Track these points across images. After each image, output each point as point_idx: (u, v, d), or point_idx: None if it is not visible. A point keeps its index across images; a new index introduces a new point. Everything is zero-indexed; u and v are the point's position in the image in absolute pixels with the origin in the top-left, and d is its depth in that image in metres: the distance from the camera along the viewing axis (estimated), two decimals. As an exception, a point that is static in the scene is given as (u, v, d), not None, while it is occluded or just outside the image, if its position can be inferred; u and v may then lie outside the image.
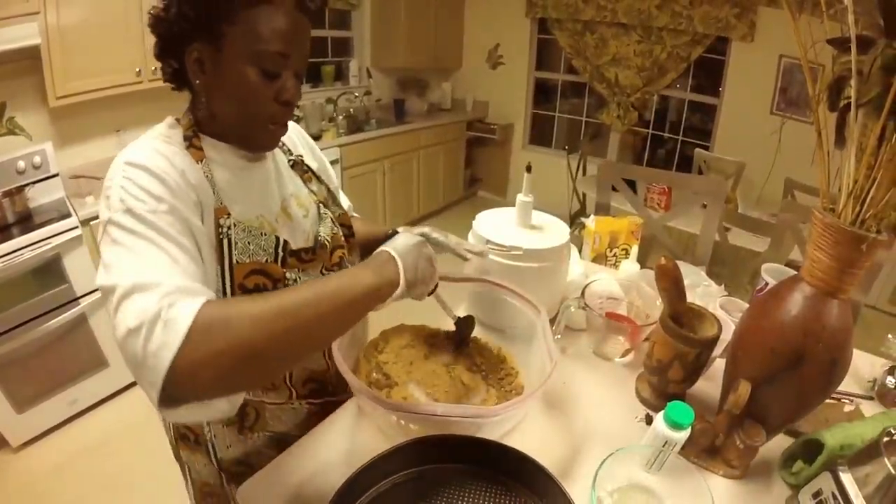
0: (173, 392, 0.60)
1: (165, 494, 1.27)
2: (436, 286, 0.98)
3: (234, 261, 0.86)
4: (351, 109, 4.89)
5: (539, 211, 1.37)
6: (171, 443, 1.14)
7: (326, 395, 1.14)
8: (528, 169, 1.27)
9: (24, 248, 2.40)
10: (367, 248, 1.16)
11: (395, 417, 0.88)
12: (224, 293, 0.86)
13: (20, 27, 2.44)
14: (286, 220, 1.01)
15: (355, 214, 1.36)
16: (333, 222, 1.11)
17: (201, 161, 0.86)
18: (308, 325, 0.69)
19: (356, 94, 5.05)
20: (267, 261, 0.90)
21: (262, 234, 0.90)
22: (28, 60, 2.62)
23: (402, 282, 0.78)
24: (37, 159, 2.78)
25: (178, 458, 1.16)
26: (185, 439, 1.09)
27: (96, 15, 2.74)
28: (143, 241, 0.71)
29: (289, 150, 1.13)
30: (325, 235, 1.06)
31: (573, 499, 0.71)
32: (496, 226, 1.31)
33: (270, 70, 0.84)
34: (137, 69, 2.95)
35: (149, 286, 0.65)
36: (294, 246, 0.95)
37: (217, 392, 0.66)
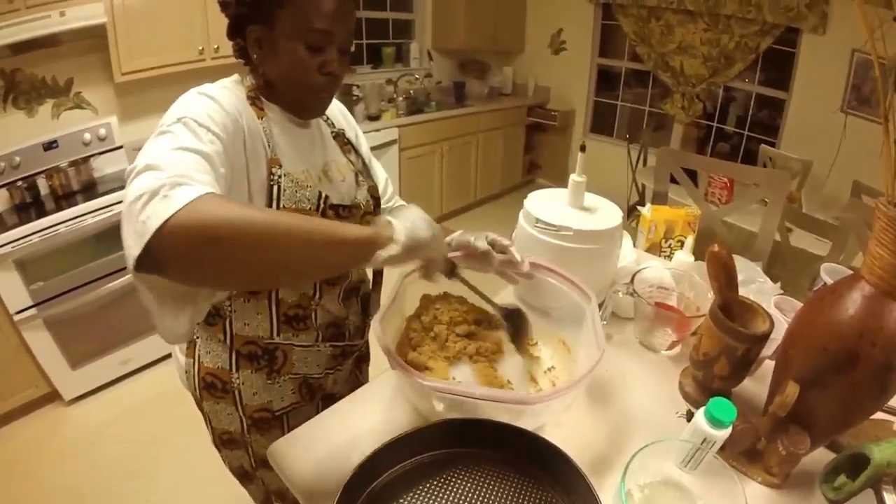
0: (152, 251, 0.63)
1: (209, 452, 1.31)
2: (454, 267, 1.00)
3: (282, 206, 0.98)
4: (411, 91, 4.92)
5: (592, 193, 1.34)
6: (195, 395, 1.21)
7: (345, 339, 1.26)
8: (583, 148, 1.25)
9: (87, 215, 2.54)
10: None
11: (433, 398, 0.88)
12: None
13: (87, 7, 2.58)
14: (326, 181, 1.13)
15: (403, 202, 1.44)
16: (368, 191, 1.23)
17: (262, 118, 0.99)
18: (292, 243, 0.71)
19: (416, 76, 5.08)
20: (309, 209, 1.01)
21: (307, 186, 1.02)
22: (95, 38, 2.74)
23: (397, 237, 0.80)
24: (102, 132, 2.95)
25: (201, 409, 1.25)
26: (212, 388, 1.16)
27: (159, -5, 2.84)
28: (179, 139, 0.79)
29: (332, 123, 1.25)
30: (361, 199, 1.18)
31: (602, 498, 0.70)
32: (547, 205, 1.29)
33: (315, 45, 0.96)
34: (200, 47, 3.04)
35: (161, 167, 0.70)
36: (333, 201, 1.06)
37: (185, 263, 0.66)
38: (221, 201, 0.68)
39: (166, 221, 0.61)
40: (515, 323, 1.10)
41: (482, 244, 1.08)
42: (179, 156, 0.75)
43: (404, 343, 1.07)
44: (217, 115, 0.87)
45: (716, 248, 0.96)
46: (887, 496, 0.76)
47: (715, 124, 5.15)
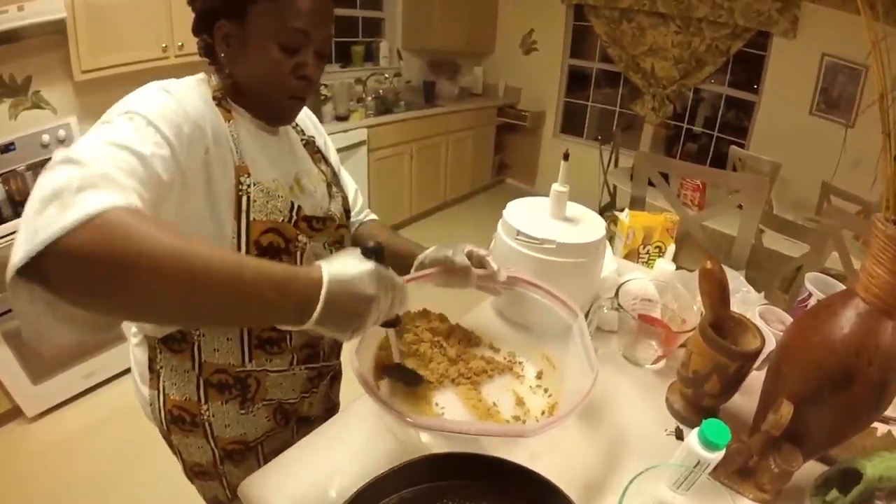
0: (37, 265, 0.55)
1: (177, 469, 1.25)
2: (398, 322, 0.86)
3: (252, 218, 0.90)
4: (380, 91, 4.86)
5: (572, 202, 1.30)
6: (162, 429, 1.13)
7: (320, 360, 1.19)
8: (566, 156, 1.21)
9: None
10: (392, 260, 1.15)
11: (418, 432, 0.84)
12: (239, 248, 0.91)
13: (45, 1, 2.44)
14: (299, 191, 1.05)
15: (374, 216, 1.39)
16: (342, 203, 1.16)
17: (229, 122, 0.91)
18: (194, 293, 0.61)
19: (386, 76, 5.01)
20: (282, 221, 0.94)
21: (278, 196, 0.94)
22: (54, 34, 2.61)
23: (310, 322, 0.66)
24: (61, 133, 2.82)
25: (168, 442, 1.16)
26: (180, 422, 1.08)
27: (122, -11, 2.74)
28: (117, 133, 0.69)
29: (301, 130, 1.17)
30: (335, 211, 1.11)
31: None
32: (528, 216, 1.24)
33: (290, 46, 0.88)
34: (164, 45, 2.94)
35: (82, 162, 0.62)
36: (307, 212, 0.99)
37: (71, 291, 0.58)
38: (129, 219, 0.58)
39: (59, 238, 0.54)
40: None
41: (461, 259, 1.03)
42: (109, 151, 0.66)
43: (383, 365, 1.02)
44: (173, 116, 0.78)
45: (709, 264, 0.93)
46: (881, 510, 0.75)
47: (685, 125, 5.21)
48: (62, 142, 2.81)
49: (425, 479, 0.73)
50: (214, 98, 0.91)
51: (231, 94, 0.95)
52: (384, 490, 0.70)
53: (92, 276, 0.56)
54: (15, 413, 2.62)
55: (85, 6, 2.57)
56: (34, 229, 0.55)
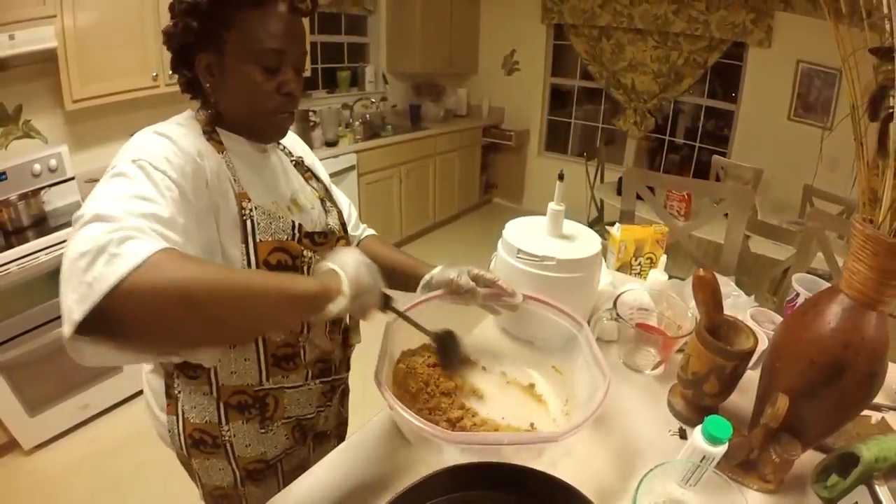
0: (104, 315, 0.59)
1: (175, 499, 1.25)
2: (388, 300, 0.96)
3: (258, 239, 0.95)
4: (367, 115, 4.90)
5: (567, 220, 1.35)
6: (182, 454, 1.14)
7: (332, 374, 1.22)
8: (561, 177, 1.26)
9: (40, 252, 2.41)
10: (398, 277, 1.22)
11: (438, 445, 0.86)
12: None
13: (37, 30, 2.45)
14: (297, 210, 1.09)
15: (372, 231, 1.43)
16: (338, 216, 1.20)
17: (222, 153, 0.95)
18: (248, 304, 0.70)
19: (372, 100, 5.08)
20: (286, 239, 0.98)
21: (279, 216, 0.98)
22: (44, 63, 2.64)
23: (345, 289, 0.80)
24: (52, 162, 2.80)
25: (187, 467, 1.18)
26: (202, 445, 1.09)
27: (112, 18, 2.75)
28: (133, 185, 0.74)
29: (289, 151, 1.21)
30: (333, 225, 1.16)
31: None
32: (526, 235, 1.29)
33: (270, 66, 0.92)
34: (154, 73, 2.96)
35: (111, 218, 0.66)
36: (307, 229, 1.03)
37: (142, 329, 0.63)
38: (180, 257, 0.66)
39: (121, 282, 0.58)
40: (446, 346, 1.11)
41: (466, 281, 1.09)
42: (133, 205, 0.71)
43: (403, 392, 1.05)
44: (175, 158, 0.82)
45: (702, 272, 0.98)
46: (879, 490, 0.79)
47: (667, 137, 5.29)
48: (54, 171, 2.80)
49: (451, 490, 0.75)
50: (205, 132, 0.95)
51: (220, 123, 0.99)
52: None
53: (158, 308, 0.62)
54: (11, 446, 2.59)
55: (75, 35, 2.59)
56: (88, 283, 0.59)
